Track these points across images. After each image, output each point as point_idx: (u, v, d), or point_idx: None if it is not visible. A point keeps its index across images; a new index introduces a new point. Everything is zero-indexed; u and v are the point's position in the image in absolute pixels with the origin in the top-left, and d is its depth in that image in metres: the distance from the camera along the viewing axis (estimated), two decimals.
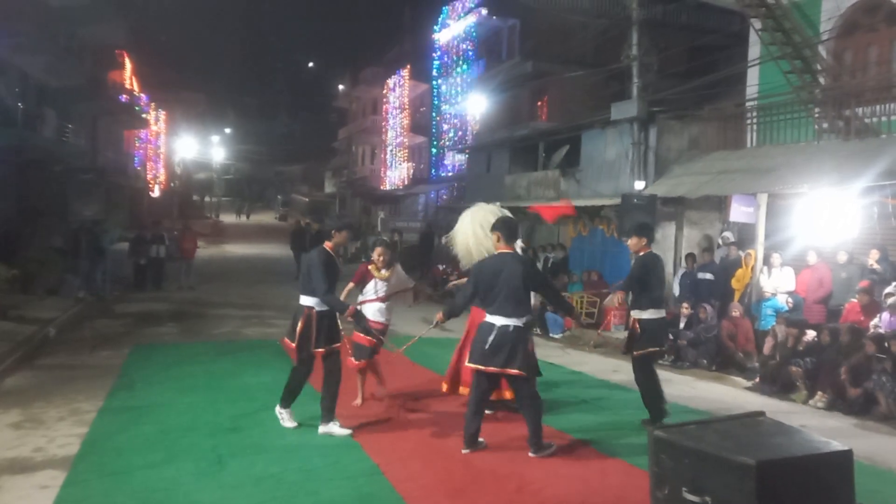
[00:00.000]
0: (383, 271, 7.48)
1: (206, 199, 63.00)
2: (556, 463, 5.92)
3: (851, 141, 11.40)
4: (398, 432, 6.50)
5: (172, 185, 58.36)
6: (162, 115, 56.24)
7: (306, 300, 6.60)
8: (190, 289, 17.90)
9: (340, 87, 52.89)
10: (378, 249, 7.57)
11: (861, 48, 12.50)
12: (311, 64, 73.29)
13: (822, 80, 12.33)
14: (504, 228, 6.16)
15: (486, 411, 6.57)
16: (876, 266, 10.25)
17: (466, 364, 6.39)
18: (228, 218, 56.50)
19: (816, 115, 12.24)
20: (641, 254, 7.23)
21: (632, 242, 7.35)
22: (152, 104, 50.23)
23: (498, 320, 5.91)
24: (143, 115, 42.73)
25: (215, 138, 65.12)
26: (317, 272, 6.45)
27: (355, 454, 6.04)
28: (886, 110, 11.44)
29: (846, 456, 3.53)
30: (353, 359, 7.37)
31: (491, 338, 5.88)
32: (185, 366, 9.39)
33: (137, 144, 46.33)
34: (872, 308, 9.55)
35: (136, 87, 42.08)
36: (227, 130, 69.23)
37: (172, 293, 17.19)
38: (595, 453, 6.25)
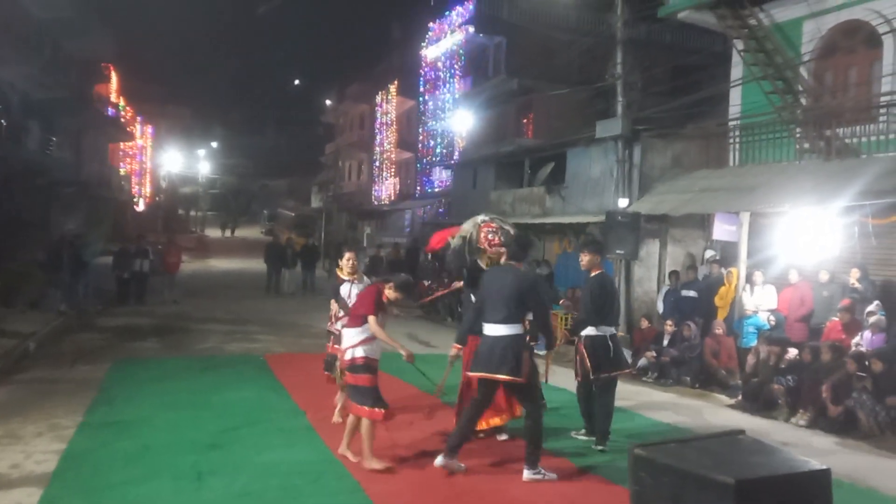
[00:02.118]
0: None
1: (192, 213, 62.74)
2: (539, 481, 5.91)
3: (832, 161, 11.54)
4: (379, 449, 6.44)
5: (157, 198, 58.12)
6: (148, 128, 56.06)
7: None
8: (173, 303, 17.78)
9: (327, 102, 52.94)
10: (348, 255, 7.38)
11: (841, 69, 12.68)
12: (297, 81, 73.32)
13: (803, 100, 12.49)
14: (513, 244, 6.58)
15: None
16: (857, 285, 10.34)
17: (469, 373, 6.49)
18: (213, 232, 56.27)
19: (798, 135, 12.39)
20: (594, 274, 7.13)
21: (586, 260, 7.18)
22: (138, 118, 50.08)
23: (495, 329, 6.01)
24: (129, 129, 42.58)
25: (201, 152, 64.97)
26: None
27: (337, 471, 6.00)
28: (866, 131, 11.59)
29: (824, 475, 3.55)
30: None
31: (489, 346, 6.02)
32: (166, 381, 9.30)
33: (122, 158, 46.13)
34: (854, 327, 9.63)
35: (121, 101, 41.96)
36: (214, 144, 69.07)
37: (155, 307, 17.06)
38: (577, 471, 6.24)
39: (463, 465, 6.05)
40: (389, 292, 6.19)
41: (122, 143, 42.99)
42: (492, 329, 6.03)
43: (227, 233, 57.99)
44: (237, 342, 12.76)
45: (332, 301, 7.34)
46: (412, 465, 6.23)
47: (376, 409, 5.96)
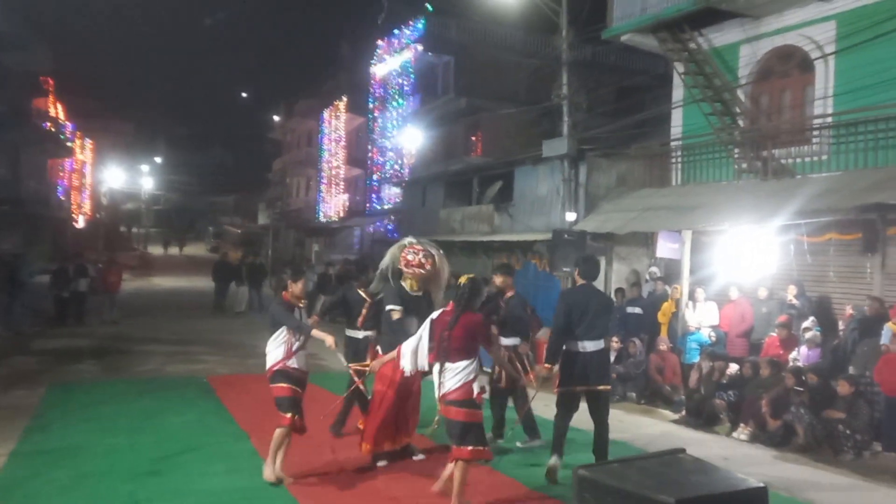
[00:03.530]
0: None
1: (134, 230, 61.32)
2: (482, 497, 5.89)
3: (769, 181, 11.90)
4: (325, 474, 6.37)
5: (98, 215, 56.64)
6: (88, 143, 54.70)
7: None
8: (113, 323, 17.30)
9: (275, 118, 52.50)
10: (301, 281, 6.99)
11: (776, 93, 13.12)
12: (244, 94, 72.44)
13: (740, 122, 12.87)
14: (583, 264, 6.95)
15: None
16: (794, 301, 10.66)
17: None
18: (157, 250, 55.03)
19: (736, 156, 12.75)
20: (509, 296, 7.70)
21: (499, 282, 7.99)
22: (78, 132, 48.83)
23: (594, 344, 6.55)
24: (69, 144, 41.47)
25: (144, 168, 63.63)
26: None
27: (282, 497, 5.89)
28: (800, 152, 12.01)
29: (761, 493, 3.63)
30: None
31: (584, 361, 6.49)
32: (104, 405, 9.03)
33: (62, 174, 44.87)
34: (791, 342, 9.91)
35: (61, 115, 40.88)
36: (157, 160, 67.73)
37: (95, 328, 16.58)
38: (525, 490, 6.24)
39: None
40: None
41: (61, 159, 41.84)
42: (590, 345, 6.50)
43: (173, 250, 56.79)
44: (179, 364, 12.47)
45: (287, 329, 6.41)
46: (360, 491, 6.15)
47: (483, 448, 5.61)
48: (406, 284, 7.05)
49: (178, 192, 70.45)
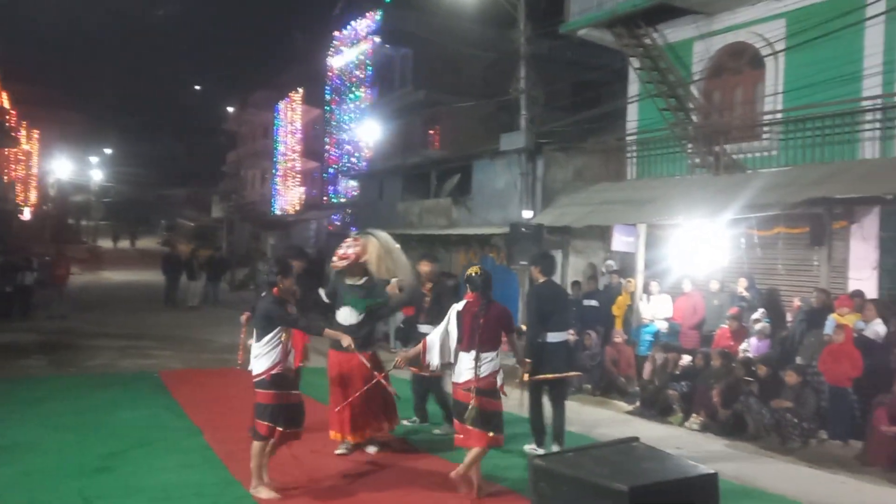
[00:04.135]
0: None
1: (83, 222, 59.80)
2: (444, 491, 5.90)
3: (721, 176, 12.12)
4: (283, 468, 6.28)
5: (45, 207, 55.12)
6: (35, 133, 53.13)
7: None
8: (61, 317, 16.87)
9: (229, 109, 51.64)
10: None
11: (728, 89, 13.36)
12: (197, 87, 70.89)
13: (694, 117, 13.08)
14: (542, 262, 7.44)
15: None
16: (744, 293, 10.90)
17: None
18: (108, 243, 53.77)
19: (689, 151, 12.96)
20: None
21: (426, 270, 7.91)
22: (24, 122, 47.40)
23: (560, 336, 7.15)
24: (13, 133, 40.23)
25: (94, 159, 62.04)
26: None
27: (235, 493, 5.80)
28: (751, 147, 12.26)
29: (712, 479, 3.70)
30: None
31: (553, 350, 7.07)
32: (52, 401, 8.81)
33: (6, 164, 43.51)
34: (741, 333, 10.13)
35: (6, 103, 39.66)
36: (108, 151, 66.08)
37: (42, 323, 16.13)
38: (484, 482, 6.25)
39: None
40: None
41: (5, 149, 40.57)
42: (558, 336, 7.10)
43: (124, 243, 55.53)
44: (130, 358, 12.21)
45: (282, 330, 5.93)
46: (316, 485, 6.10)
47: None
48: (347, 279, 7.01)
49: (129, 184, 68.78)
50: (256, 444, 5.71)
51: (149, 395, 9.33)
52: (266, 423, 5.67)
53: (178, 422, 8.04)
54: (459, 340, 5.94)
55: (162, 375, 10.66)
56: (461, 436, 5.85)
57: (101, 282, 28.98)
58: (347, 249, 6.97)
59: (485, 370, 5.80)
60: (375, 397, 6.79)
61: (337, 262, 6.99)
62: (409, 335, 8.27)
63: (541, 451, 6.74)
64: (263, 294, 6.00)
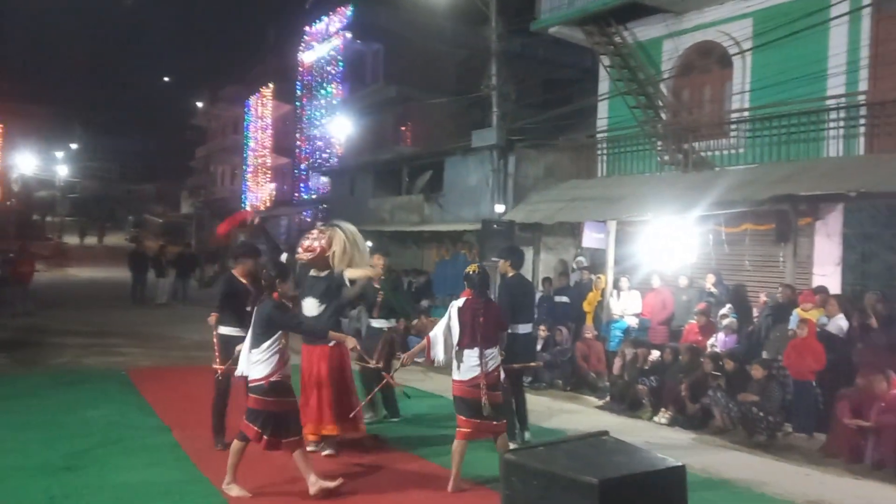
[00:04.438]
0: None
1: (48, 218, 58.69)
2: (413, 487, 5.90)
3: (690, 173, 12.29)
4: (250, 464, 6.23)
5: (9, 202, 54.03)
6: None
7: None
8: (26, 315, 16.54)
9: (199, 104, 51.06)
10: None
11: (697, 87, 13.54)
12: (166, 79, 69.79)
13: (663, 115, 13.24)
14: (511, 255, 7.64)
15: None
16: (712, 289, 11.05)
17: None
18: (74, 239, 52.85)
19: (659, 148, 13.11)
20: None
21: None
22: None
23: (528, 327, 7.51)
24: None
25: (59, 154, 60.90)
26: None
27: (203, 490, 5.75)
28: (719, 145, 12.44)
29: (680, 471, 3.76)
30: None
31: (524, 342, 7.45)
32: (16, 399, 8.63)
33: None
34: (709, 329, 10.27)
35: None
36: (74, 146, 64.90)
37: (6, 320, 15.80)
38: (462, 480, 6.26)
39: None
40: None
41: None
42: (526, 328, 7.44)
43: (90, 240, 54.61)
44: (97, 356, 12.01)
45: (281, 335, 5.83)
46: (284, 481, 6.07)
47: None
48: (312, 271, 7.03)
49: (96, 179, 67.74)
50: (238, 444, 5.65)
51: (116, 393, 9.19)
52: (256, 428, 5.55)
53: (145, 420, 7.93)
54: (461, 337, 6.02)
55: (129, 373, 10.52)
56: (468, 430, 5.96)
57: (68, 279, 28.47)
58: (313, 242, 6.95)
59: (491, 366, 6.03)
60: (346, 392, 6.78)
61: (302, 254, 6.96)
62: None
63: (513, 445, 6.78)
64: (262, 300, 5.85)
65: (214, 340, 6.77)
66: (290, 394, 5.78)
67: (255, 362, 5.64)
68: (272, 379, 5.57)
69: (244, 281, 6.80)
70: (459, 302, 6.17)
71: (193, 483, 5.90)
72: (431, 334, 6.19)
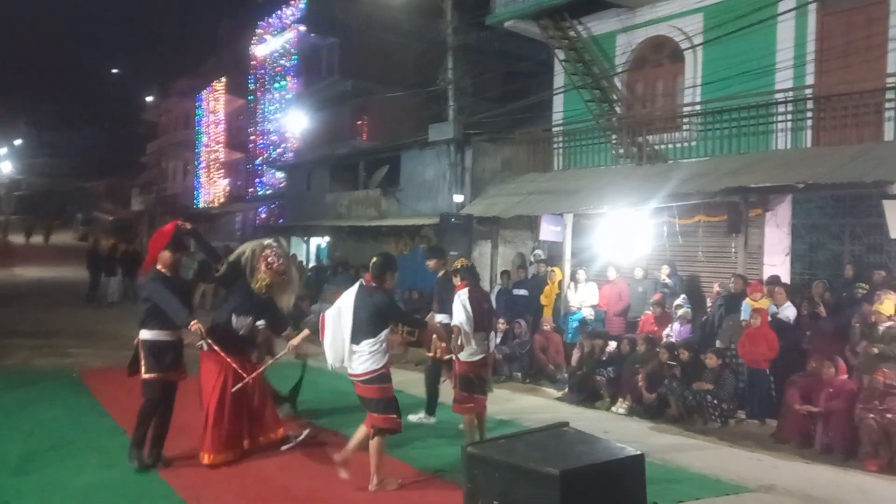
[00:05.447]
0: None
1: None
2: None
3: (644, 165, 12.46)
4: (207, 471, 6.16)
5: None
6: None
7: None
8: None
9: (149, 98, 49.98)
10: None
11: (650, 81, 13.73)
12: (115, 70, 67.87)
13: (617, 109, 13.39)
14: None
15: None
16: (667, 280, 11.24)
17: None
18: (19, 238, 51.31)
19: (614, 141, 13.26)
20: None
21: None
22: None
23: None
24: None
25: (2, 150, 59.06)
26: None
27: (161, 491, 5.66)
28: (672, 138, 12.64)
29: (639, 460, 3.82)
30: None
31: None
32: None
33: None
34: (664, 319, 10.45)
35: None
36: (18, 141, 63.01)
37: None
38: (413, 471, 6.28)
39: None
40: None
41: None
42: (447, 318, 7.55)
43: (37, 239, 53.07)
44: (47, 357, 11.69)
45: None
46: (243, 480, 6.00)
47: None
48: (255, 285, 6.54)
49: (43, 176, 65.89)
50: (378, 441, 5.69)
51: (68, 394, 8.98)
52: (393, 415, 5.71)
53: (100, 421, 7.76)
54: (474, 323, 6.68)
55: (82, 374, 10.28)
56: (472, 405, 6.75)
57: (13, 279, 27.66)
58: (279, 264, 6.57)
59: (492, 347, 7.04)
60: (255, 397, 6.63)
61: (275, 275, 6.50)
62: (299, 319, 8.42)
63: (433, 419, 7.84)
64: (370, 288, 5.81)
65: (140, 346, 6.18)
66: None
67: (371, 353, 5.66)
68: (386, 370, 5.79)
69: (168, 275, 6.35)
70: (465, 293, 6.75)
71: (151, 484, 5.80)
72: (455, 325, 6.67)
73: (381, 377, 5.68)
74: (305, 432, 6.94)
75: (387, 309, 5.83)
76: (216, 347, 6.18)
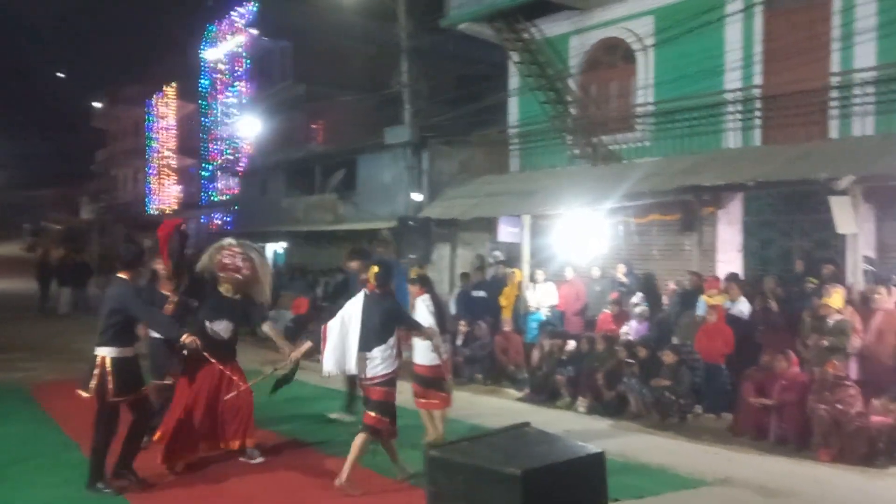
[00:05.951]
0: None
1: None
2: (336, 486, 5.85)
3: (599, 166, 12.60)
4: (169, 484, 6.03)
5: None
6: None
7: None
8: None
9: (97, 105, 48.80)
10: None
11: (604, 82, 13.90)
12: (60, 74, 65.80)
13: (572, 110, 13.52)
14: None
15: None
16: (623, 279, 11.39)
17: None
18: None
19: (569, 143, 13.39)
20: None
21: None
22: None
23: None
24: None
25: None
26: None
27: None
28: (626, 138, 12.82)
29: (599, 457, 3.86)
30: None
31: None
32: None
33: None
34: (622, 317, 10.58)
35: None
36: None
37: None
38: (376, 476, 6.24)
39: None
40: None
41: None
42: None
43: None
44: None
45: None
46: (203, 499, 5.90)
47: None
48: (222, 289, 6.59)
49: None
50: (363, 437, 5.85)
51: (19, 410, 8.72)
52: (387, 419, 5.90)
53: (54, 436, 7.55)
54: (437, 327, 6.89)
55: (32, 388, 9.99)
56: (436, 401, 7.04)
57: None
58: (239, 262, 6.54)
59: (449, 349, 7.19)
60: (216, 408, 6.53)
61: (232, 274, 6.50)
62: (297, 333, 8.17)
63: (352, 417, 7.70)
64: (377, 296, 5.99)
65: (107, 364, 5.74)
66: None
67: (383, 359, 5.87)
68: (394, 375, 6.00)
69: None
70: (426, 298, 6.99)
71: (111, 499, 5.66)
72: (430, 328, 6.70)
73: (388, 381, 5.92)
74: (259, 459, 6.75)
75: (398, 314, 6.16)
76: (212, 360, 6.23)
